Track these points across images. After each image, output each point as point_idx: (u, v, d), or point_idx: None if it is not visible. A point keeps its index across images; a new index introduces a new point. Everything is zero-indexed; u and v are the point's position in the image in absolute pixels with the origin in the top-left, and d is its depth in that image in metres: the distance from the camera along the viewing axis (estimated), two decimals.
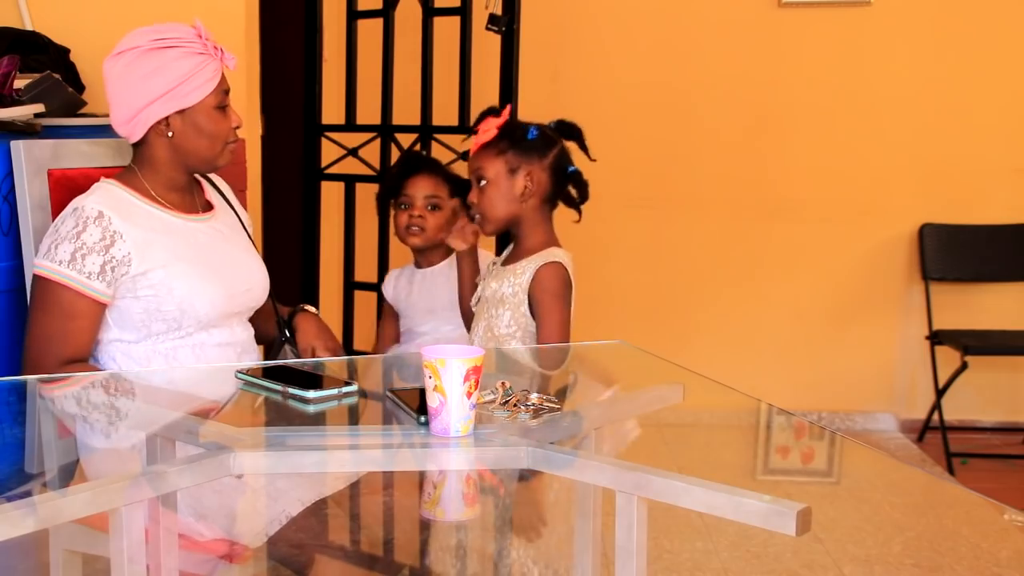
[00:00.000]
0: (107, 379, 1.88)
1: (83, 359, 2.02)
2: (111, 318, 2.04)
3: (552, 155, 2.32)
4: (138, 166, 2.10)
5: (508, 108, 2.36)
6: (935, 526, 1.65)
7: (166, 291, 2.01)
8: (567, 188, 2.35)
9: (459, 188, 2.64)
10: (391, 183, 2.68)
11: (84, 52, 2.68)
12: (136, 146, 2.09)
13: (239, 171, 2.66)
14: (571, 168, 2.34)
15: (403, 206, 2.63)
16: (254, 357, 2.18)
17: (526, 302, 2.29)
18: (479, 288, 2.40)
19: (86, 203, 2.01)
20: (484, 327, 2.33)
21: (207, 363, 2.06)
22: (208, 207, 2.20)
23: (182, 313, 2.02)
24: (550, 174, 2.31)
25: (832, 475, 1.79)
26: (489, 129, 2.30)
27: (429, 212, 2.60)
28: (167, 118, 2.04)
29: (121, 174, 2.11)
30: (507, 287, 2.30)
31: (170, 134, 2.05)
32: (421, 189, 2.61)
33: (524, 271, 2.29)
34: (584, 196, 2.36)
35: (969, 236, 4.26)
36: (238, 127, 2.12)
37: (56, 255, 1.97)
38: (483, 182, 2.31)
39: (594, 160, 2.33)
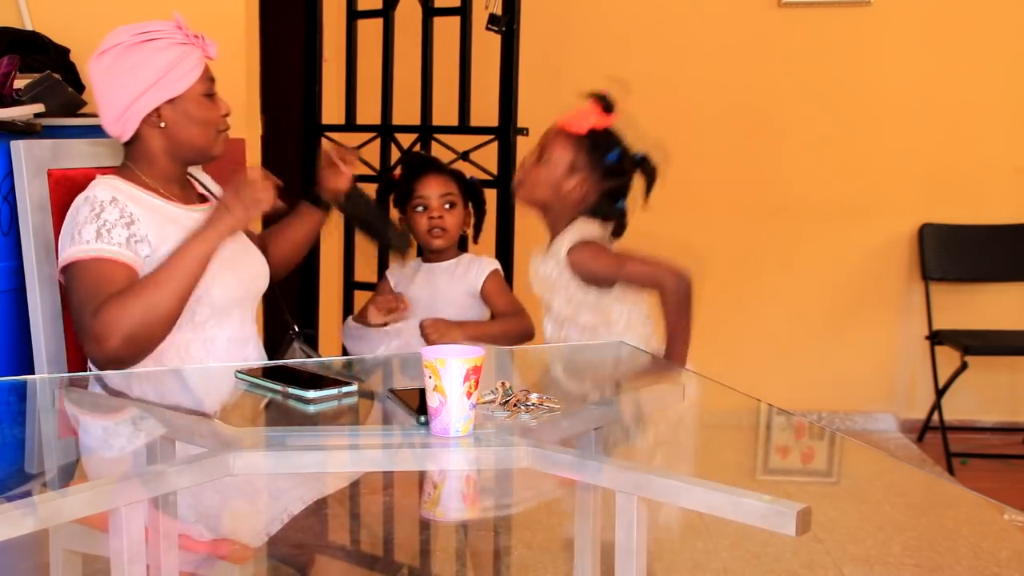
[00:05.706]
0: (108, 379, 1.88)
1: None
2: None
3: (614, 183, 2.30)
4: (133, 163, 2.10)
5: (614, 117, 2.32)
6: (935, 526, 1.65)
7: None
8: (606, 214, 2.34)
9: (467, 186, 2.63)
10: (403, 187, 2.61)
11: (84, 52, 2.66)
12: (129, 144, 2.09)
13: (239, 171, 2.65)
14: (620, 204, 2.32)
15: (420, 208, 2.56)
16: (261, 355, 2.18)
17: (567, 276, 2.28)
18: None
19: (95, 192, 2.00)
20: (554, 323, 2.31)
21: (217, 360, 2.06)
22: (203, 199, 2.20)
23: (196, 300, 2.01)
24: (599, 196, 2.30)
25: (832, 475, 1.79)
26: (584, 124, 2.27)
27: (447, 211, 2.55)
28: (158, 109, 2.04)
29: (117, 170, 2.11)
30: (551, 270, 2.29)
31: (162, 124, 2.05)
32: (435, 189, 2.56)
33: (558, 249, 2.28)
34: (619, 232, 2.35)
35: (969, 236, 4.26)
36: (227, 114, 2.13)
37: (80, 239, 1.95)
38: (544, 158, 2.29)
39: (644, 209, 2.32)
